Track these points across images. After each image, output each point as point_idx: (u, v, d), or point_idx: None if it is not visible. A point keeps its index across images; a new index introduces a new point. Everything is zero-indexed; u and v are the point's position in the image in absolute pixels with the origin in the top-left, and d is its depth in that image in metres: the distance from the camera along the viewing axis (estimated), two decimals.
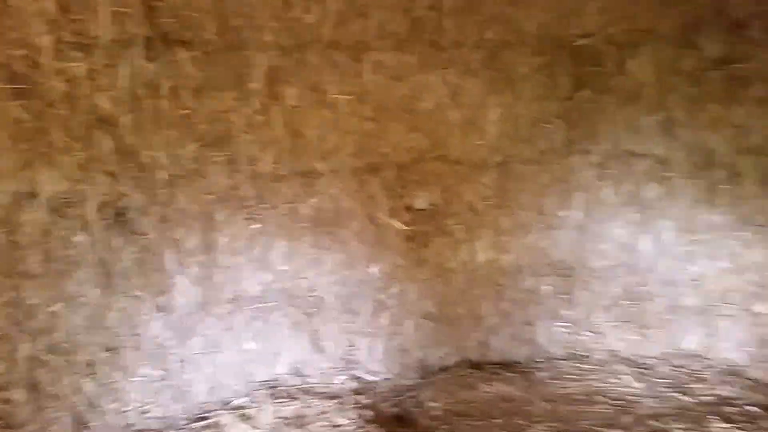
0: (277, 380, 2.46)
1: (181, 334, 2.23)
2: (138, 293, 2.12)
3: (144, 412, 2.18)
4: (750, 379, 2.44)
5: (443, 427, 2.27)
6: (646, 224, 2.47)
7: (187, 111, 2.08)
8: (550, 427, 2.23)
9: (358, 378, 2.57)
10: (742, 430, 2.17)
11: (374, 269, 2.50)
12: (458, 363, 2.60)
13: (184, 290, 2.20)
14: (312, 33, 2.20)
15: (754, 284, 2.43)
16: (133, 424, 2.17)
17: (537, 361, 2.59)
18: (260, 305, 2.39)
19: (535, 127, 2.42)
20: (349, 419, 2.33)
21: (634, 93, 2.35)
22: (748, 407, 2.27)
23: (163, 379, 2.22)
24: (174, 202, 2.14)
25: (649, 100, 2.35)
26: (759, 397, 2.33)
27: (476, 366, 2.60)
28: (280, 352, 2.46)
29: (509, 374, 2.53)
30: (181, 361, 2.24)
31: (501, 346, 2.60)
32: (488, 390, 2.47)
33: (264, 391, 2.43)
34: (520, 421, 2.26)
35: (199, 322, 2.27)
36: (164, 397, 2.22)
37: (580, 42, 2.31)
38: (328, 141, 2.31)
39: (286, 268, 2.40)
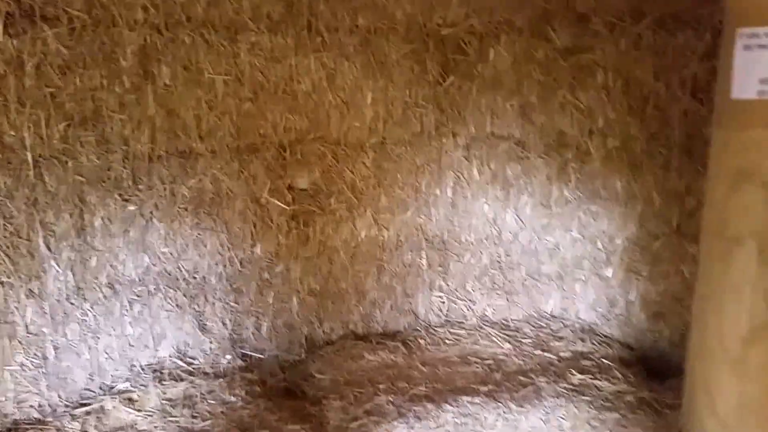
0: (161, 363, 2.46)
1: (56, 320, 2.17)
2: (8, 279, 2.04)
3: (21, 402, 2.11)
4: (602, 335, 2.74)
5: (331, 396, 2.37)
6: (508, 200, 2.70)
7: (53, 89, 2.03)
8: (430, 387, 2.40)
9: (245, 356, 2.63)
10: (596, 379, 2.47)
11: (258, 249, 2.58)
12: (343, 336, 2.72)
13: (57, 275, 2.14)
14: (184, 12, 2.21)
15: (602, 251, 2.74)
16: (11, 414, 2.09)
17: (417, 330, 2.75)
18: (140, 288, 2.37)
19: (408, 110, 2.56)
20: (237, 396, 2.38)
21: (495, 80, 2.56)
22: (601, 360, 2.56)
23: (40, 367, 2.15)
24: (42, 184, 2.08)
25: (508, 87, 2.57)
26: (610, 351, 2.63)
27: (361, 338, 2.73)
28: (164, 334, 2.45)
29: (392, 343, 2.67)
30: (57, 348, 2.18)
31: (384, 318, 2.74)
32: (372, 359, 2.61)
33: (148, 375, 2.41)
34: (403, 385, 2.41)
35: (75, 307, 2.21)
36: (42, 386, 2.16)
37: (446, 31, 2.49)
38: (206, 121, 2.33)
39: (166, 250, 2.40)
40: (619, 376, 2.44)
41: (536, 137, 2.62)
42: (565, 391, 2.35)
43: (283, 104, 2.47)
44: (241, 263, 2.55)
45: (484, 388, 2.39)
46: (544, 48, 2.51)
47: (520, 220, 2.71)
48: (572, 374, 2.44)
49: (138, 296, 2.37)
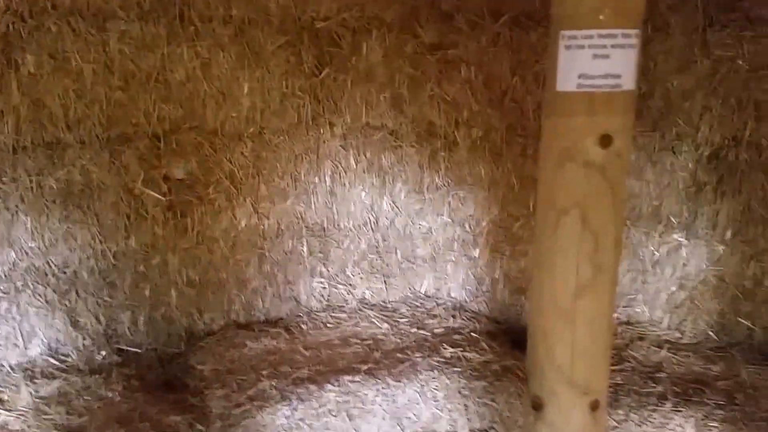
0: (32, 362, 2.35)
1: None
2: None
3: None
4: (471, 311, 2.96)
5: (214, 385, 2.38)
6: (384, 187, 2.82)
7: None
8: (312, 370, 2.47)
9: (121, 351, 2.57)
10: (466, 351, 2.67)
11: (132, 241, 2.52)
12: (225, 326, 2.72)
13: None
14: None
15: (470, 233, 2.95)
16: None
17: (299, 316, 2.82)
18: (6, 285, 2.26)
19: (285, 100, 2.61)
20: (114, 391, 2.33)
21: (369, 73, 2.66)
22: (470, 334, 2.76)
23: None
24: None
25: (381, 80, 2.68)
26: (478, 326, 2.85)
27: (243, 327, 2.74)
28: (34, 332, 2.35)
29: (274, 330, 2.72)
30: None
31: (266, 306, 2.78)
32: (255, 346, 2.64)
33: (18, 375, 2.30)
34: (286, 369, 2.46)
35: None
36: None
37: (320, 25, 2.56)
38: (74, 111, 2.25)
39: (33, 244, 2.30)
40: (486, 347, 2.66)
41: (408, 127, 2.76)
42: (438, 364, 2.53)
43: (155, 93, 2.43)
44: (114, 256, 2.49)
45: (364, 367, 2.50)
46: (413, 43, 2.65)
47: (396, 206, 2.85)
48: (444, 348, 2.61)
49: (5, 293, 2.27)
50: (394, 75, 2.67)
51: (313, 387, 2.37)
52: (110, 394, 2.32)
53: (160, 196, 2.50)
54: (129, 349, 2.58)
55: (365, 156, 2.77)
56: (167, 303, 2.61)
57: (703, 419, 2.19)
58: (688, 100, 2.52)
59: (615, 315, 2.78)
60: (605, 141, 1.00)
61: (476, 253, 2.94)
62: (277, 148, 2.66)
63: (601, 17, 1.00)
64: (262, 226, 2.70)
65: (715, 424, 2.17)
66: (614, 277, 1.06)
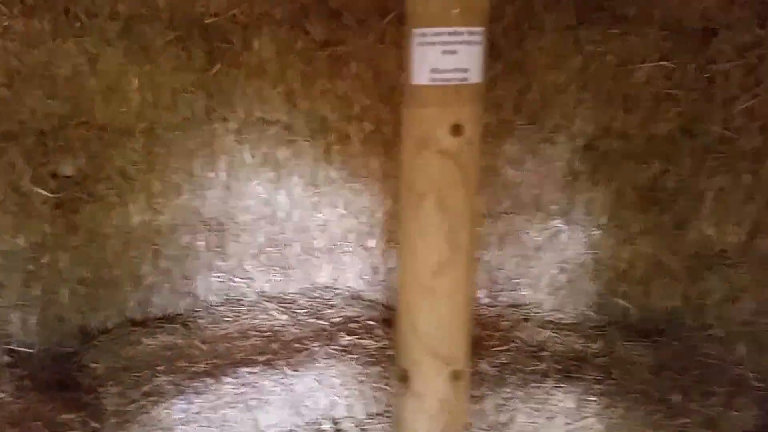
0: None
1: None
2: None
3: None
4: (367, 300, 3.03)
5: (108, 383, 2.36)
6: (280, 181, 2.86)
7: None
8: (210, 363, 2.49)
9: (12, 352, 2.52)
10: (362, 339, 2.74)
11: (21, 240, 2.47)
12: (120, 324, 2.70)
13: None
14: None
15: (366, 225, 3.02)
16: None
17: (197, 311, 2.82)
18: None
19: (176, 96, 2.60)
20: (5, 392, 2.28)
21: (261, 68, 2.68)
22: (366, 322, 2.83)
23: None
24: None
25: (273, 75, 2.71)
26: (374, 313, 2.92)
27: (139, 324, 2.72)
28: None
29: (171, 326, 2.71)
30: None
31: (162, 302, 2.77)
32: (151, 343, 2.63)
33: None
34: (183, 364, 2.47)
35: None
36: None
37: (209, 20, 2.58)
38: None
39: None
40: (382, 334, 2.74)
41: (302, 122, 2.80)
42: (335, 352, 2.59)
43: (41, 89, 2.39)
44: (2, 255, 2.43)
45: (262, 358, 2.55)
46: (303, 40, 2.69)
47: (293, 200, 2.90)
48: (342, 337, 2.68)
49: None
50: (286, 70, 2.71)
51: (210, 380, 2.39)
52: (1, 395, 2.28)
53: (48, 194, 2.46)
54: (21, 349, 2.53)
55: (260, 150, 2.80)
56: (59, 302, 2.57)
57: (582, 394, 2.34)
58: (563, 93, 2.67)
59: (500, 298, 2.95)
60: (457, 130, 1.09)
61: (372, 243, 3.01)
62: (171, 144, 2.65)
63: (449, 16, 1.08)
64: (156, 222, 2.69)
65: (593, 398, 2.33)
66: (471, 255, 1.15)
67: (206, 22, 2.59)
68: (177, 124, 2.65)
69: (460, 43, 1.07)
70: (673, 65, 2.45)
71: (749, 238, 2.47)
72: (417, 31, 1.10)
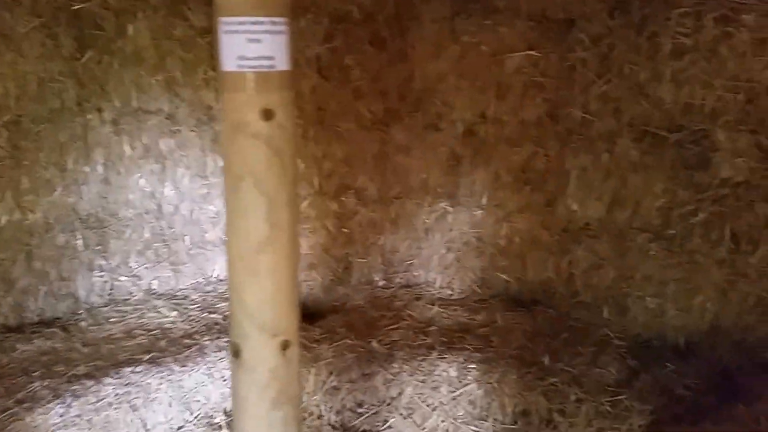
0: None
1: None
2: None
3: None
4: None
5: None
6: (165, 174, 2.78)
7: None
8: (90, 366, 2.39)
9: None
10: None
11: None
12: None
13: None
14: None
15: None
16: None
17: (78, 313, 2.69)
18: None
19: (43, 86, 2.46)
20: None
21: (137, 55, 2.60)
22: None
23: None
24: None
25: (151, 62, 2.63)
26: None
27: (13, 329, 2.55)
28: None
29: (49, 330, 2.57)
30: None
31: (38, 306, 2.61)
32: (27, 348, 2.48)
33: None
34: (61, 368, 2.35)
35: None
36: None
37: (77, 6, 2.45)
38: None
39: None
40: None
41: (185, 111, 2.74)
42: (226, 345, 2.59)
43: None
44: None
45: (146, 357, 2.48)
46: (182, 26, 2.64)
47: (180, 192, 2.83)
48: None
49: None
50: (165, 57, 2.64)
51: (89, 382, 2.30)
52: None
53: None
54: None
55: (141, 141, 2.70)
56: None
57: (463, 362, 2.49)
58: (443, 82, 2.82)
59: (395, 280, 3.05)
60: (267, 114, 1.15)
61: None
62: (39, 137, 2.49)
63: (251, 6, 1.15)
64: (27, 221, 2.52)
65: (474, 365, 2.49)
66: (291, 234, 1.22)
67: (74, 8, 2.46)
68: (45, 115, 2.50)
69: (264, 32, 1.15)
70: (538, 54, 2.65)
71: (608, 212, 2.74)
72: (223, 19, 1.16)
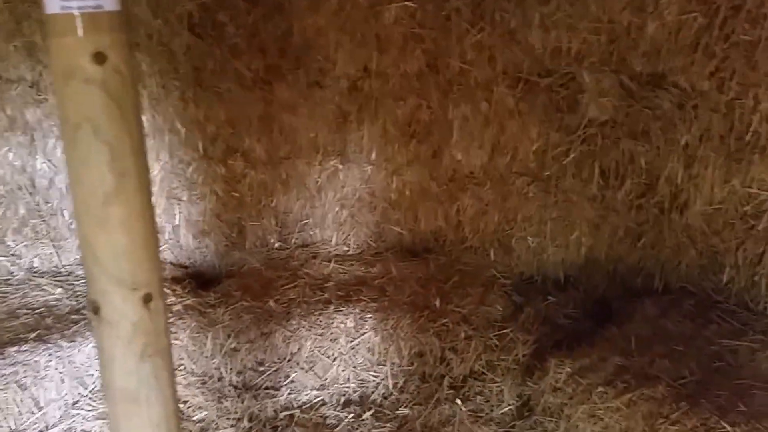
0: None
1: None
2: None
3: None
4: None
5: None
6: (35, 145, 2.62)
7: None
8: None
9: None
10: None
11: None
12: None
13: None
14: None
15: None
16: None
17: None
18: None
19: None
20: None
21: None
22: None
23: None
24: None
25: (6, 28, 2.46)
26: (163, 273, 2.89)
27: None
28: None
29: None
30: None
31: None
32: None
33: None
34: None
35: None
36: None
37: None
38: None
39: None
40: (169, 291, 2.70)
41: (50, 78, 2.58)
42: None
43: None
44: None
45: (32, 335, 2.38)
46: None
47: (52, 164, 2.68)
48: None
49: None
50: (21, 22, 2.46)
51: None
52: None
53: None
54: None
55: (5, 113, 2.53)
56: None
57: (360, 313, 2.55)
58: (323, 36, 2.79)
59: (291, 240, 3.06)
60: (99, 58, 1.10)
61: (152, 201, 2.92)
62: None
63: None
64: None
65: (370, 314, 2.55)
66: (141, 182, 1.18)
67: None
68: None
69: None
70: (415, 5, 2.67)
71: (490, 159, 2.85)
72: None
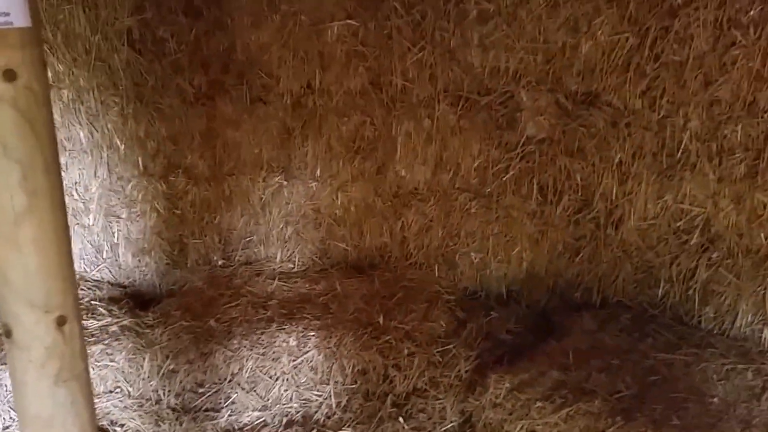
0: None
1: None
2: None
3: None
4: (92, 281, 2.87)
5: None
6: None
7: None
8: None
9: None
10: (83, 320, 2.60)
11: None
12: None
13: None
14: None
15: (80, 201, 2.84)
16: None
17: None
18: None
19: None
20: None
21: None
22: (89, 302, 2.68)
23: None
24: None
25: None
26: (99, 293, 2.77)
27: None
28: None
29: None
30: None
31: None
32: None
33: None
34: None
35: None
36: None
37: None
38: None
39: None
40: (105, 312, 2.63)
41: None
42: None
43: None
44: None
45: None
46: None
47: None
48: None
49: None
50: None
51: None
52: None
53: None
54: None
55: None
56: None
57: (302, 331, 2.52)
58: (266, 53, 2.78)
59: (235, 258, 3.02)
60: (9, 75, 1.08)
61: (90, 220, 2.85)
62: None
63: None
64: None
65: (313, 332, 2.52)
66: (54, 201, 1.16)
67: None
68: None
69: None
70: (357, 23, 2.69)
71: (433, 175, 2.87)
72: None
